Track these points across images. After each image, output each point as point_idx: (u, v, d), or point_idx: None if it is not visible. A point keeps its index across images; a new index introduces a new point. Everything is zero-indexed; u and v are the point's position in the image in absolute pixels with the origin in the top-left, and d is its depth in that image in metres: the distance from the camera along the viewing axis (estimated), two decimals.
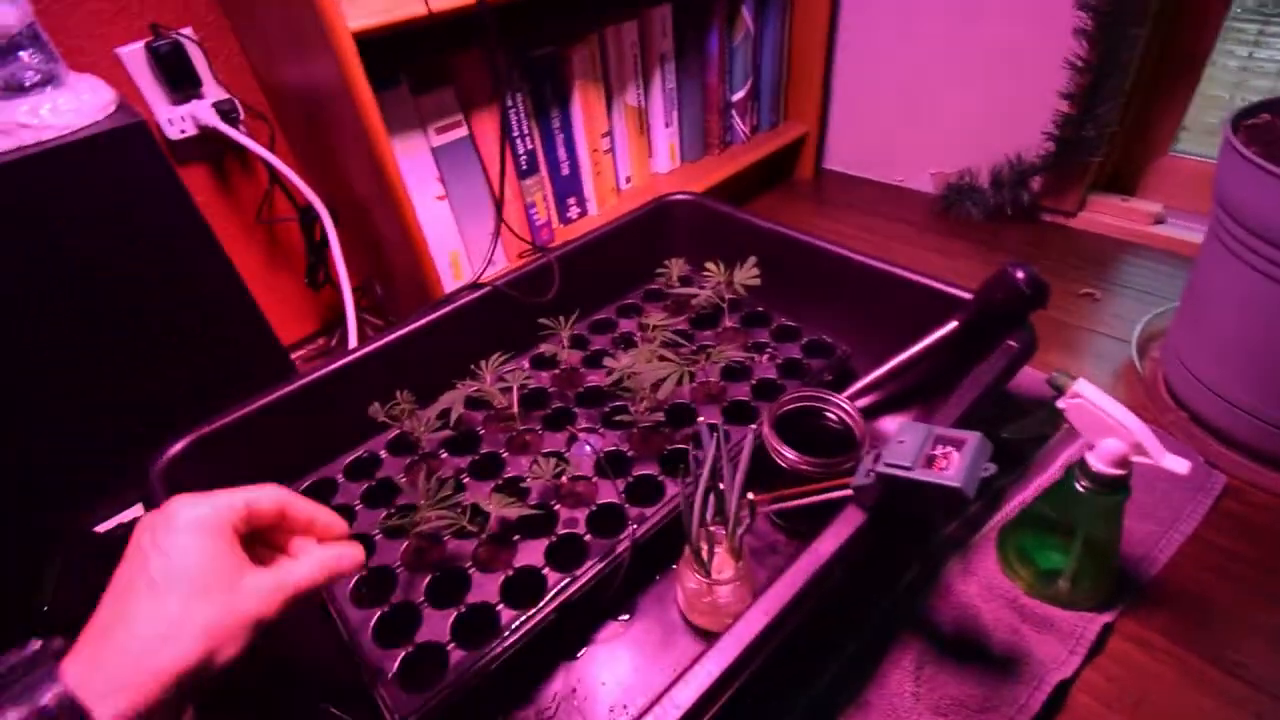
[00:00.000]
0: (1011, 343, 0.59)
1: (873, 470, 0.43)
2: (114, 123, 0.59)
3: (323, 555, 0.36)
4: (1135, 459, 0.47)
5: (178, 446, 0.57)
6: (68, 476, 0.67)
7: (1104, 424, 0.48)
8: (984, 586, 0.57)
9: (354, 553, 0.38)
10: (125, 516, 0.69)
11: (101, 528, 0.68)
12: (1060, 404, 0.50)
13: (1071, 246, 1.02)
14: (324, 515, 0.38)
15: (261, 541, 0.36)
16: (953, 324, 0.62)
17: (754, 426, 0.44)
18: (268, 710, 0.45)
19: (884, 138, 1.21)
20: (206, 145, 0.80)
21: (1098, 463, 0.48)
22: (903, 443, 0.42)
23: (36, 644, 0.29)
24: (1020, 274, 0.58)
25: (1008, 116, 1.05)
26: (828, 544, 0.43)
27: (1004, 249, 1.03)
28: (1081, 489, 0.50)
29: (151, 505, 0.52)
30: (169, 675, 0.28)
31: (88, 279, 0.61)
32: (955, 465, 0.41)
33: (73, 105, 0.58)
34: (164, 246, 0.64)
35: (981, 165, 1.09)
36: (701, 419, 0.52)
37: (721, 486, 0.47)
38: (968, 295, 0.64)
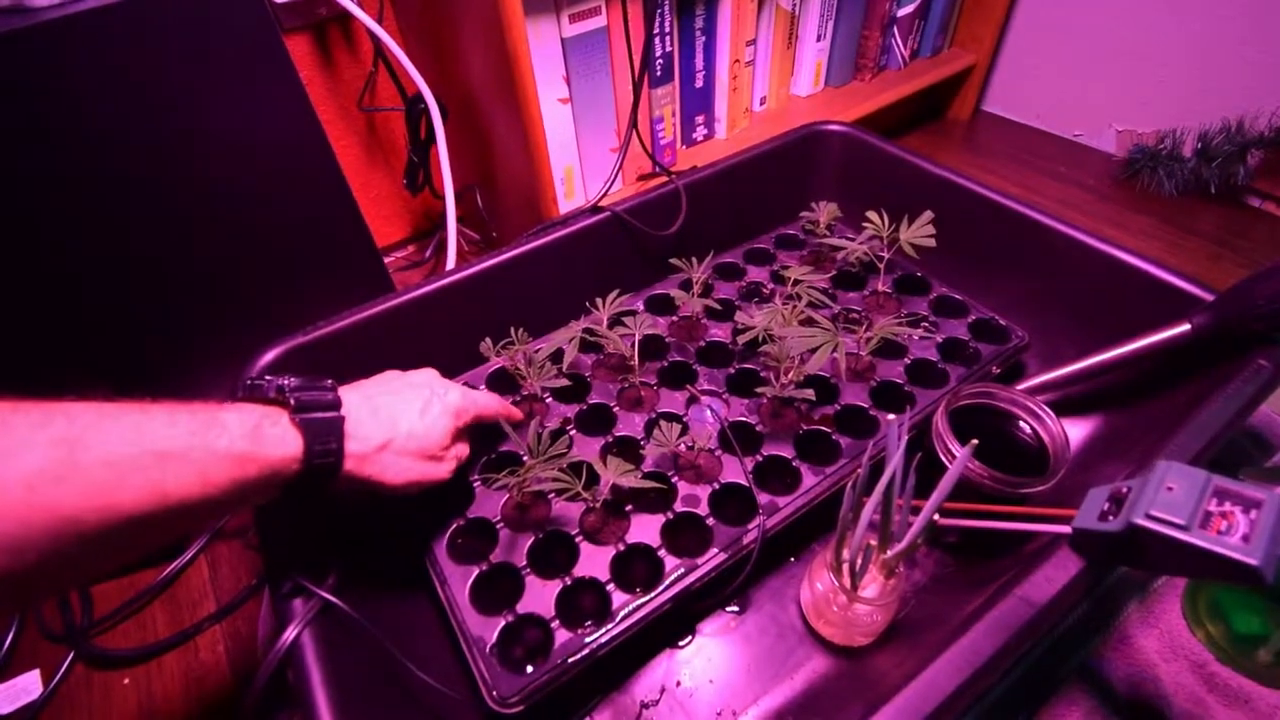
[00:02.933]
0: (1263, 362, 0.47)
1: (1115, 515, 0.34)
2: None
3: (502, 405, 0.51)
4: None
5: (269, 355, 0.52)
6: (140, 369, 0.63)
7: None
8: (1165, 643, 0.48)
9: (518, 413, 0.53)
10: None
11: None
12: None
13: None
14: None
15: None
16: (1184, 327, 0.50)
17: (968, 447, 0.35)
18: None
19: (1065, 80, 1.02)
20: (309, 12, 0.72)
21: None
22: (1171, 490, 0.33)
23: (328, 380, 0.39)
24: None
25: (1240, 72, 0.85)
26: (1038, 592, 0.35)
27: (1198, 233, 0.87)
28: None
29: None
30: (377, 478, 0.39)
31: (177, 150, 0.54)
32: (1243, 531, 0.31)
33: None
34: (262, 123, 0.57)
35: (1188, 128, 0.90)
36: (891, 416, 0.43)
37: (897, 499, 0.39)
38: (1204, 294, 0.52)
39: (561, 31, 0.66)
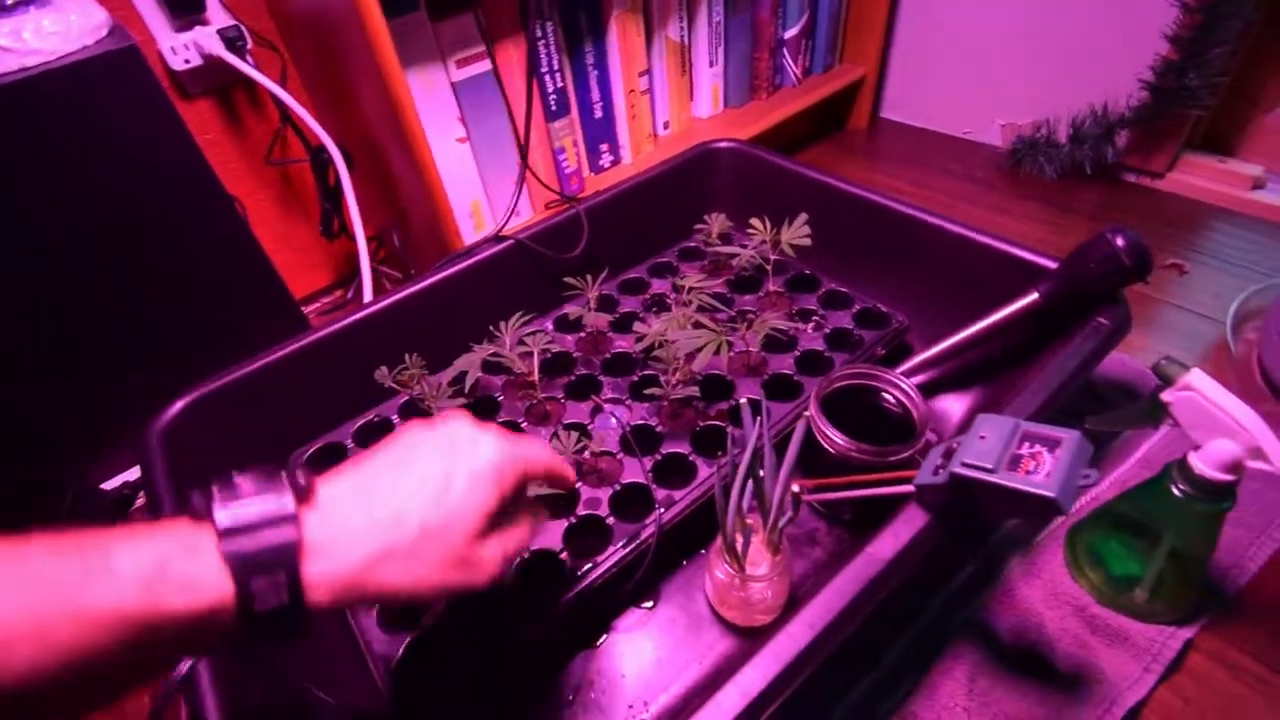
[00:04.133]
0: (1102, 320, 0.51)
1: (944, 469, 0.37)
2: (105, 48, 0.54)
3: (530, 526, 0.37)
4: (1251, 464, 0.40)
5: (177, 406, 0.53)
6: (61, 429, 0.63)
7: (1217, 422, 0.41)
8: (1049, 591, 0.51)
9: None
10: (131, 475, 0.66)
11: (108, 485, 0.65)
12: (1166, 396, 0.43)
13: (1157, 211, 0.92)
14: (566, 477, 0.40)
15: None
16: (1033, 296, 0.55)
17: (806, 410, 0.38)
18: None
19: (950, 84, 1.09)
20: (214, 77, 0.74)
21: (1203, 466, 0.41)
22: (983, 438, 0.36)
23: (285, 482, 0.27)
24: (1120, 241, 0.51)
25: (1096, 59, 0.93)
26: (885, 547, 0.38)
27: (1079, 211, 0.93)
28: (1178, 493, 0.43)
29: (148, 469, 0.48)
30: (382, 595, 0.28)
31: (78, 221, 0.56)
32: (1047, 469, 0.34)
33: (59, 28, 0.53)
34: (162, 187, 0.59)
35: (1060, 116, 0.97)
36: (743, 398, 0.46)
37: (762, 473, 0.42)
38: (1051, 264, 0.56)
39: (450, 76, 0.70)
